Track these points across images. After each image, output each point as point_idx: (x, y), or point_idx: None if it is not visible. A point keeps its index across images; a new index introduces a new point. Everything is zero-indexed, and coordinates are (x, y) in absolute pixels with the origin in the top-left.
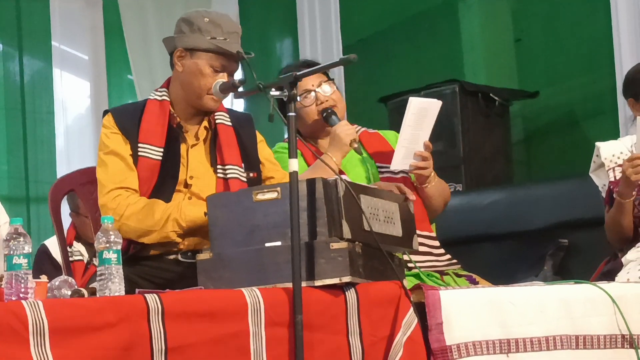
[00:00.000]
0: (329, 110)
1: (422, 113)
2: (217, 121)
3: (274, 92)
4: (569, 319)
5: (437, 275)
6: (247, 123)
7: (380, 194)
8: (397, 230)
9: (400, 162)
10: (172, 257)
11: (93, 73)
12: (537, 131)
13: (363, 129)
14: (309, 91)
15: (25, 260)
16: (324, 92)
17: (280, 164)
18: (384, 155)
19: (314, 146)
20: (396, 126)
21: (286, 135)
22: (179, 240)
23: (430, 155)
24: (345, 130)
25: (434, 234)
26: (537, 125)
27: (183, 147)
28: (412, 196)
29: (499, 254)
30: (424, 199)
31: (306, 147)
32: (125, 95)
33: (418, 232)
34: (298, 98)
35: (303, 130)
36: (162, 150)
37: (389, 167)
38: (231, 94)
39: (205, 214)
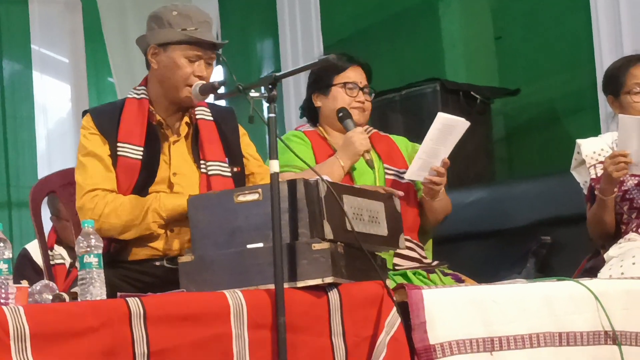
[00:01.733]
0: (346, 112)
1: (447, 129)
2: (197, 116)
3: (253, 94)
4: (552, 316)
5: (424, 273)
6: (228, 116)
7: (365, 194)
8: (382, 229)
9: (415, 172)
10: (158, 263)
11: (73, 76)
12: (518, 128)
13: (374, 130)
14: (356, 85)
15: (6, 266)
16: (365, 95)
17: (295, 147)
18: (392, 157)
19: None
20: (376, 125)
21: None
22: (160, 231)
23: (445, 172)
24: (361, 139)
25: (421, 244)
26: (519, 123)
27: (164, 144)
28: (398, 193)
29: (481, 251)
30: (427, 211)
31: (318, 139)
32: (106, 98)
33: (409, 239)
34: (344, 85)
35: (327, 113)
36: (142, 149)
37: (395, 169)
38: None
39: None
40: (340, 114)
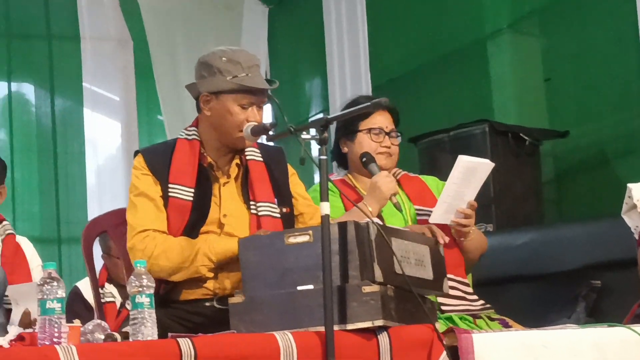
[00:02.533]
0: (369, 156)
1: (469, 172)
2: (247, 157)
3: (305, 136)
4: None
5: (470, 318)
6: (278, 157)
7: (412, 237)
8: (427, 273)
9: (440, 216)
10: (208, 304)
11: (124, 113)
12: (567, 171)
13: (403, 172)
14: (382, 130)
15: (59, 305)
16: (391, 140)
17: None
18: (423, 198)
19: (355, 188)
20: (426, 167)
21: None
22: (210, 275)
23: (473, 214)
24: (387, 183)
25: (467, 281)
26: (568, 165)
27: (215, 186)
28: (444, 239)
29: (530, 295)
30: (461, 251)
31: (345, 187)
32: (156, 135)
33: (452, 277)
34: (369, 131)
35: (354, 159)
36: (192, 190)
37: (426, 210)
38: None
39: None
40: (364, 159)
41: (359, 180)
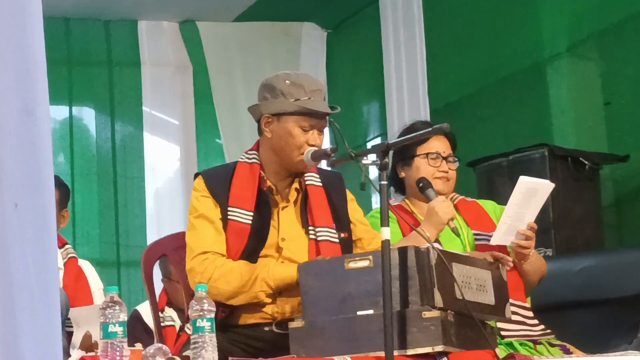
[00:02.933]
0: (425, 182)
1: (530, 193)
2: (307, 182)
3: (365, 161)
4: None
5: (530, 344)
6: (337, 182)
7: (473, 262)
8: (489, 298)
9: (501, 237)
10: (266, 328)
11: (183, 137)
12: (628, 195)
13: (461, 197)
14: (439, 155)
15: (121, 329)
16: (449, 164)
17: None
18: (481, 223)
19: (413, 213)
20: (485, 191)
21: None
22: (268, 300)
23: (533, 235)
24: (444, 208)
25: (527, 305)
26: (628, 189)
27: (274, 210)
28: (508, 263)
29: (590, 321)
30: (520, 274)
31: (403, 212)
32: (214, 159)
33: (512, 301)
34: (427, 156)
35: (411, 184)
36: (252, 214)
37: (484, 235)
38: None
39: (298, 281)
40: (421, 185)
41: (417, 205)
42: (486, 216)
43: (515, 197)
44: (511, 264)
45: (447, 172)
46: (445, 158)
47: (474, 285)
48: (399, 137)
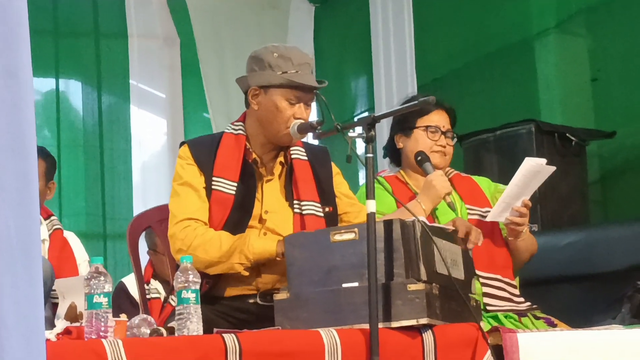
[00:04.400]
0: (424, 155)
1: (532, 174)
2: (292, 156)
3: (351, 134)
4: None
5: (515, 316)
6: (323, 156)
7: (449, 237)
8: (460, 273)
9: (497, 214)
10: (251, 300)
11: (170, 111)
12: (614, 171)
13: (456, 172)
14: (438, 129)
15: (106, 299)
16: (447, 139)
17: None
18: (475, 198)
19: (408, 185)
20: (471, 166)
21: (380, 172)
22: (245, 273)
23: (527, 212)
24: (441, 182)
25: (514, 282)
26: (614, 165)
27: (258, 182)
28: (474, 243)
29: (575, 295)
30: (512, 251)
31: (398, 184)
32: (201, 133)
33: (500, 277)
34: (427, 129)
35: (408, 155)
36: (236, 184)
37: (477, 209)
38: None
39: (281, 254)
40: (419, 158)
41: (412, 177)
42: (480, 192)
43: (517, 178)
44: (472, 246)
45: (444, 147)
46: (444, 133)
47: (449, 259)
48: (391, 109)
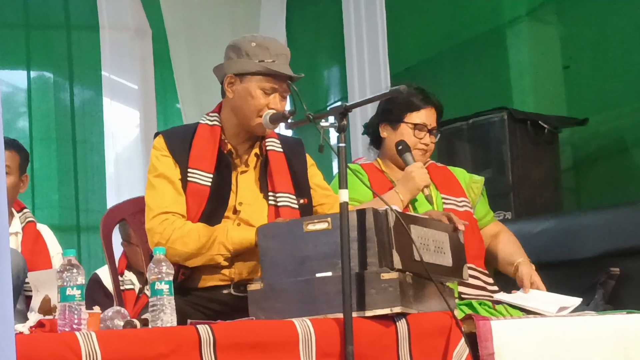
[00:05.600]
0: (405, 145)
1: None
2: (268, 148)
3: (324, 123)
4: (622, 349)
5: (489, 303)
6: (297, 148)
7: (431, 224)
8: (447, 260)
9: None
10: (225, 291)
11: (142, 102)
12: (586, 158)
13: (432, 161)
14: (425, 127)
15: (79, 292)
16: (431, 137)
17: (351, 181)
18: (450, 187)
19: (384, 173)
20: (444, 154)
21: (357, 160)
22: (225, 263)
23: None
24: (421, 174)
25: (487, 272)
26: (587, 153)
27: (233, 173)
28: (461, 226)
29: (549, 282)
30: (491, 259)
31: (374, 172)
32: (174, 124)
33: (473, 266)
34: (414, 126)
35: (390, 146)
36: (211, 176)
37: (453, 199)
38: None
39: (256, 244)
40: (400, 147)
41: (389, 167)
42: (455, 182)
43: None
44: (462, 227)
45: (427, 145)
46: (429, 130)
47: (432, 247)
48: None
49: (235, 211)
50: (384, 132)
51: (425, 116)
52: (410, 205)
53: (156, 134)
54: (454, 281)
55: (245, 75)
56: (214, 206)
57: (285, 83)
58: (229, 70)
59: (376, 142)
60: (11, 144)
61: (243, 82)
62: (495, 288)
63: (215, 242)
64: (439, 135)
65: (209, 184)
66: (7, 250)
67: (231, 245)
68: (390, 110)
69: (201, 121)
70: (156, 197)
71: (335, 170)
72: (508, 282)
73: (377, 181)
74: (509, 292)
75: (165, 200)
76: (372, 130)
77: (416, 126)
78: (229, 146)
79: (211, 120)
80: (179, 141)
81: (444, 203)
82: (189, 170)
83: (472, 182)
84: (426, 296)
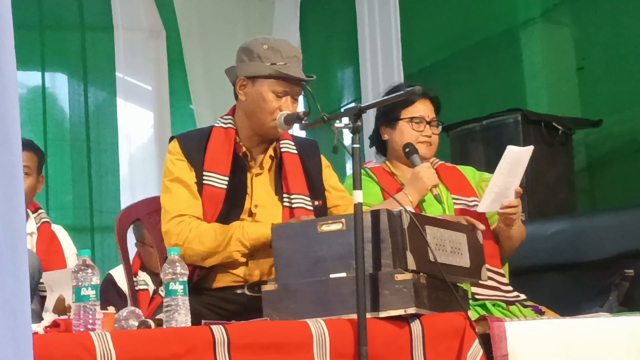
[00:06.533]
0: (412, 147)
1: (516, 161)
2: (282, 149)
3: (338, 124)
4: (636, 351)
5: (503, 305)
6: (312, 150)
7: (447, 225)
8: (464, 261)
9: (488, 205)
10: (239, 291)
11: (156, 103)
12: (600, 160)
13: (441, 162)
14: (423, 119)
15: (93, 292)
16: (432, 129)
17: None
18: (460, 188)
19: (394, 176)
20: (458, 156)
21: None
22: (242, 260)
23: (520, 201)
24: (429, 174)
25: (502, 271)
26: (601, 154)
27: (248, 175)
28: (481, 226)
29: (563, 283)
30: (503, 238)
31: (384, 175)
32: (188, 125)
33: (487, 266)
34: (411, 120)
35: (394, 147)
36: (227, 179)
37: (464, 199)
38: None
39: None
40: (407, 149)
41: (398, 168)
42: (466, 182)
43: (502, 166)
44: (483, 227)
45: (430, 137)
46: (429, 122)
47: (449, 247)
48: (378, 99)
49: (250, 214)
50: (385, 134)
51: (420, 109)
52: (419, 206)
53: (171, 138)
54: (471, 282)
55: (257, 78)
56: (229, 209)
57: (297, 86)
58: (240, 72)
59: (380, 147)
60: (29, 145)
61: (255, 85)
62: (510, 288)
63: (232, 239)
64: (440, 126)
65: (225, 186)
66: (24, 252)
67: (248, 242)
68: (387, 111)
69: (215, 124)
70: (172, 200)
71: (348, 171)
72: (522, 282)
73: (387, 184)
74: (523, 294)
75: (181, 203)
76: (375, 137)
77: (413, 119)
78: (244, 149)
79: (225, 123)
80: (194, 145)
81: (455, 204)
82: (205, 173)
83: (481, 181)
84: (440, 297)
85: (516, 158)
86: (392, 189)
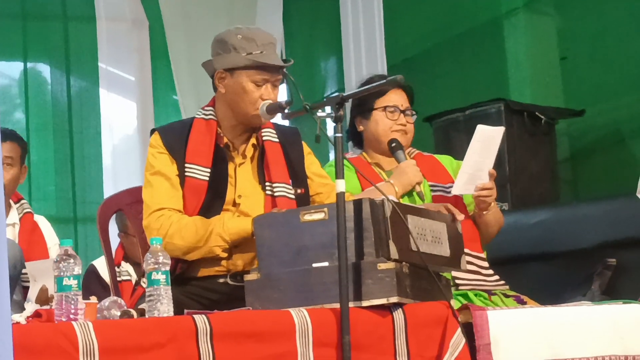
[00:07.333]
0: (398, 143)
1: (487, 141)
2: (264, 138)
3: (320, 114)
4: (618, 339)
5: (485, 294)
6: (294, 137)
7: (428, 214)
8: (444, 250)
9: (462, 187)
10: (221, 280)
11: (139, 94)
12: (583, 150)
13: (418, 151)
14: (397, 108)
15: (75, 282)
16: (406, 118)
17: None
18: (437, 174)
19: (371, 165)
20: (441, 146)
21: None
22: (224, 255)
23: (494, 184)
24: (414, 171)
25: (483, 255)
26: (584, 144)
27: (230, 166)
28: (460, 216)
29: (545, 273)
30: (480, 225)
31: (362, 165)
32: (171, 115)
33: (467, 251)
34: (385, 109)
35: (369, 137)
36: (209, 170)
37: (440, 186)
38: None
39: (253, 234)
40: (393, 144)
41: (375, 158)
42: (442, 169)
43: (473, 146)
44: (462, 217)
45: (404, 126)
46: (403, 111)
47: (429, 237)
48: (357, 89)
49: (234, 204)
50: (360, 125)
51: (394, 98)
52: (401, 200)
53: (152, 131)
54: (452, 271)
55: (235, 70)
56: (211, 200)
57: (277, 73)
58: (218, 65)
59: (356, 139)
60: (11, 136)
61: (234, 77)
62: (490, 272)
63: (212, 234)
64: (414, 116)
65: (207, 178)
66: (4, 241)
67: (228, 236)
68: (361, 102)
69: (197, 116)
70: (153, 194)
71: (331, 160)
72: (505, 272)
73: (367, 174)
74: (504, 281)
75: (161, 197)
76: (350, 129)
77: (387, 108)
78: (225, 139)
79: (206, 115)
80: (175, 137)
81: (432, 190)
82: (186, 165)
83: (459, 168)
84: (423, 286)
85: (488, 137)
86: (372, 179)
